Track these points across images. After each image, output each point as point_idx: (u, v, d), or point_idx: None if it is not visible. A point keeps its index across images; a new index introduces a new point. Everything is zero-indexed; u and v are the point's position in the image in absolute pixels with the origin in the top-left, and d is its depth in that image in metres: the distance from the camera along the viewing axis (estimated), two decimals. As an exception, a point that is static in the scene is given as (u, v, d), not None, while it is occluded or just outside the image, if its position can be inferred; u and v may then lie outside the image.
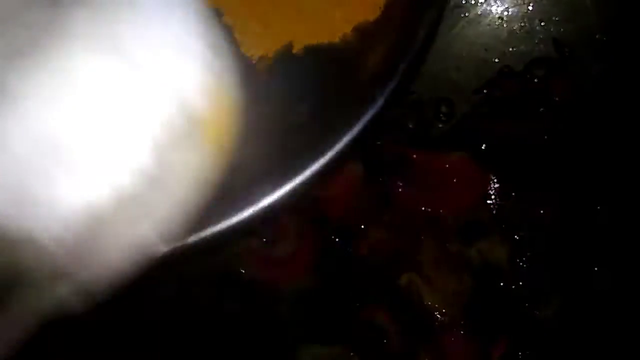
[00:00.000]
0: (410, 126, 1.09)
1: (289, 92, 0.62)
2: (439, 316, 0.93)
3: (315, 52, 0.63)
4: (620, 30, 1.05)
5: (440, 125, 1.14)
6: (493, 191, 1.02)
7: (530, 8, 1.11)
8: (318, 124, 0.61)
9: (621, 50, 1.05)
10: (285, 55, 0.62)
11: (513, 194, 1.01)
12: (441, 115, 1.14)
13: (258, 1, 0.62)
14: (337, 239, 1.01)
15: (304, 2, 0.63)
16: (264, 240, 1.02)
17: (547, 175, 1.03)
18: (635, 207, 0.99)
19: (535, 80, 1.11)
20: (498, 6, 1.13)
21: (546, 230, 1.01)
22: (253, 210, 0.56)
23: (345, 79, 0.65)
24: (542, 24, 1.11)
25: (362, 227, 1.01)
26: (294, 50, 0.62)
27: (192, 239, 0.52)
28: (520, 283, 0.95)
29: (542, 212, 0.97)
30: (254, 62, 0.61)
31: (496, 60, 1.14)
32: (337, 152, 0.58)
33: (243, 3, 0.60)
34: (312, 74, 0.63)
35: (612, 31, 1.06)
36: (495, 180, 1.02)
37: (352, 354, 0.94)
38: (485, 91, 1.13)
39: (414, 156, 1.03)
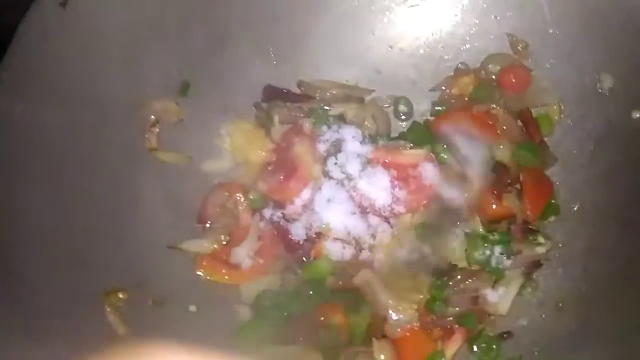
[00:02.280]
0: (369, 124, 1.10)
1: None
2: (393, 313, 0.94)
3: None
4: (573, 25, 1.06)
5: (399, 123, 1.16)
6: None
7: (484, 5, 1.12)
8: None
9: (574, 44, 1.06)
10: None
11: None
12: (400, 113, 1.15)
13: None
14: (295, 239, 1.01)
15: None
16: (224, 242, 1.04)
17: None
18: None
19: (492, 77, 1.12)
20: (454, 5, 1.13)
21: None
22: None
23: None
24: (497, 19, 1.11)
25: (322, 226, 1.02)
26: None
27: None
28: (475, 278, 0.96)
29: (494, 207, 0.98)
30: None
31: (452, 57, 1.15)
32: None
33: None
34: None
35: (565, 26, 1.07)
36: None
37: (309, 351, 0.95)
38: (443, 88, 1.14)
39: (372, 154, 1.04)
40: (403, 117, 1.15)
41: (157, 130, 1.02)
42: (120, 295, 0.89)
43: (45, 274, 0.88)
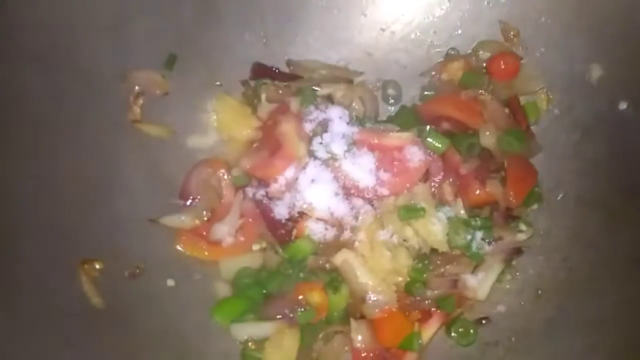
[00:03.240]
0: (356, 106, 1.09)
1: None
2: (372, 294, 0.94)
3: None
4: (564, 15, 1.05)
5: (388, 107, 1.15)
6: (434, 171, 1.02)
7: (477, -9, 1.11)
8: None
9: (565, 33, 1.06)
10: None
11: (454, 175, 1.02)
12: (389, 96, 1.14)
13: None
14: (278, 218, 1.01)
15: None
16: (205, 218, 1.03)
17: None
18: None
19: (482, 63, 1.12)
20: (447, -10, 1.13)
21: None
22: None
23: None
24: (490, 6, 1.11)
25: (305, 205, 1.01)
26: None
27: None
28: (455, 263, 0.96)
29: (477, 192, 0.98)
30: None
31: (444, 42, 1.13)
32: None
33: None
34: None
35: (557, 15, 1.06)
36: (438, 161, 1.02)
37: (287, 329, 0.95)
38: (432, 73, 1.14)
39: (358, 135, 1.03)
40: (392, 100, 1.14)
41: (141, 101, 1.00)
42: (97, 266, 0.88)
43: (21, 241, 0.87)
